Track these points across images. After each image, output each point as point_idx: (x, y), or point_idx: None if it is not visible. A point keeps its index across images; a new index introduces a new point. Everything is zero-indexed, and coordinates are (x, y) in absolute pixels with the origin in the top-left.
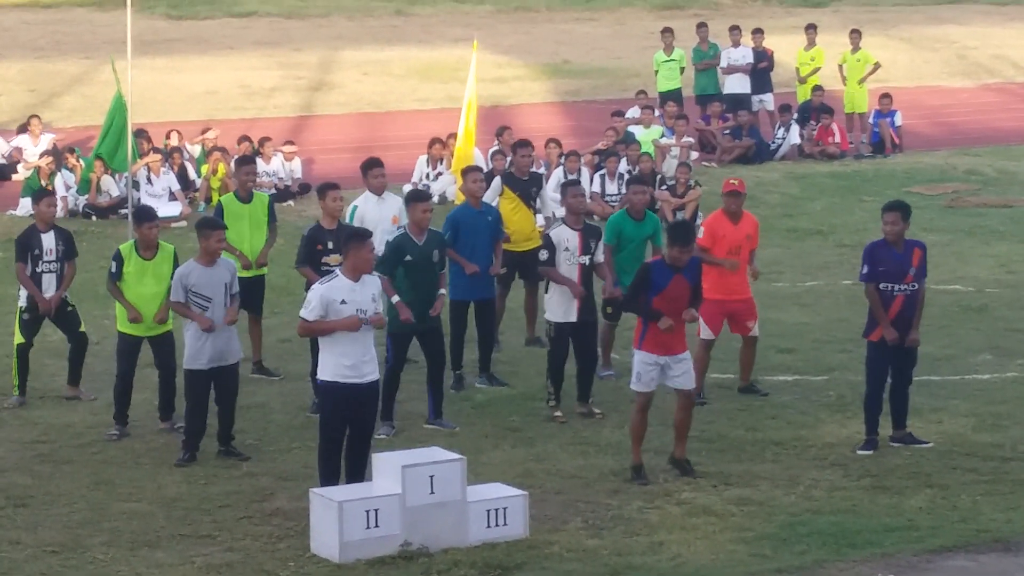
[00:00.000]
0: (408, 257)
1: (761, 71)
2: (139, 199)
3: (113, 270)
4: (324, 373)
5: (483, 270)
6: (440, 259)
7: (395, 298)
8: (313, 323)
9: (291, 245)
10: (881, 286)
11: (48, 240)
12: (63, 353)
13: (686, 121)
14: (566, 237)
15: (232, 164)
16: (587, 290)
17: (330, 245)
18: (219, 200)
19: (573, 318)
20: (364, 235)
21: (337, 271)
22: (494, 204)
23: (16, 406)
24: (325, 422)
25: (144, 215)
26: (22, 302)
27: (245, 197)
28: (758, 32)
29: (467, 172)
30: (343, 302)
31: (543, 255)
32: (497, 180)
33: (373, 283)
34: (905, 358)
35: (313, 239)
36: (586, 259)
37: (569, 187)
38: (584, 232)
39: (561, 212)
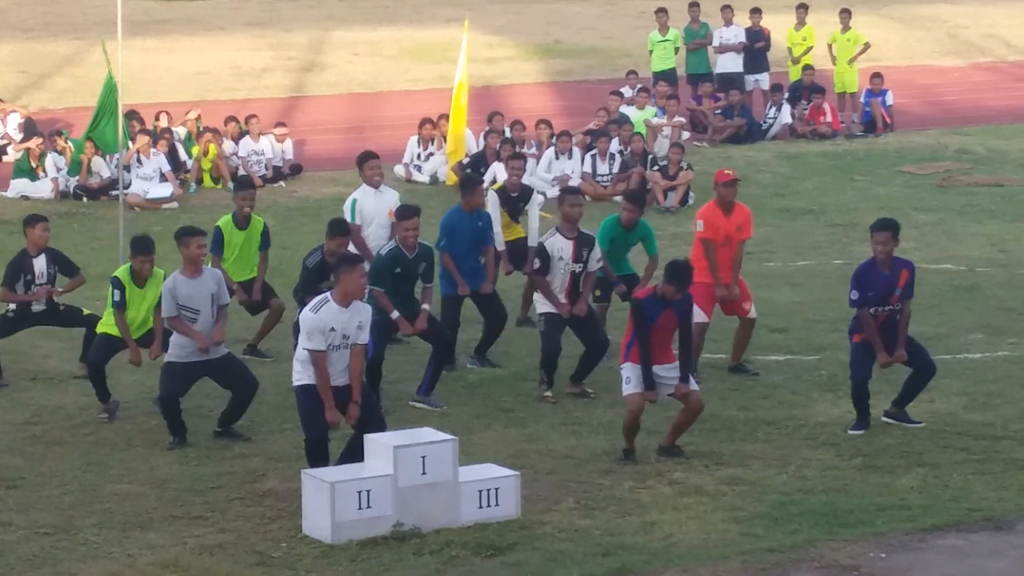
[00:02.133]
0: (398, 270)
1: (758, 51)
2: (130, 181)
3: (117, 299)
4: (300, 379)
5: (472, 274)
6: (425, 270)
7: (395, 314)
8: (320, 371)
9: (281, 227)
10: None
11: (39, 264)
12: (55, 334)
13: (677, 101)
14: (560, 246)
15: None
16: (575, 295)
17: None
18: (217, 225)
19: (564, 314)
20: (355, 260)
21: (328, 296)
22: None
23: None
24: (307, 424)
25: (141, 247)
26: (12, 306)
27: (242, 223)
28: (756, 12)
29: (470, 186)
30: (332, 329)
31: (536, 263)
32: (494, 197)
33: (362, 311)
34: (918, 355)
35: (319, 274)
36: (579, 267)
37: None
38: (577, 241)
39: (549, 191)
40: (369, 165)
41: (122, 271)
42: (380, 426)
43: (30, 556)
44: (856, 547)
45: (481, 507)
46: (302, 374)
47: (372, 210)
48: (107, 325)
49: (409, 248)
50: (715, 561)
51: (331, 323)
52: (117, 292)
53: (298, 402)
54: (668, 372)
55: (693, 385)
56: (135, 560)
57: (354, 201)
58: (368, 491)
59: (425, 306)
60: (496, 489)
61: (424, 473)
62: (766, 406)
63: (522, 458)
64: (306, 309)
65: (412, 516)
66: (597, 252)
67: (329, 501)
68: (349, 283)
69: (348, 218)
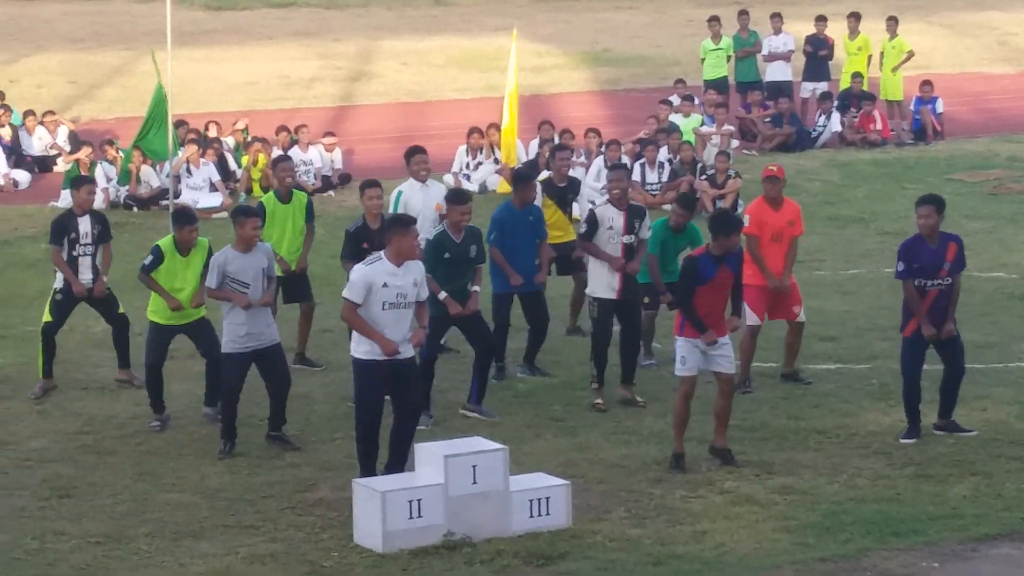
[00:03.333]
0: (447, 255)
1: (820, 59)
2: (180, 191)
3: (147, 263)
4: (359, 351)
5: (527, 271)
6: (477, 253)
7: (442, 294)
8: (359, 318)
9: (330, 236)
10: (916, 282)
11: (84, 224)
12: (106, 344)
13: (726, 109)
14: (610, 216)
15: (270, 162)
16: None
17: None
18: (260, 200)
19: (614, 295)
20: (408, 221)
21: (381, 254)
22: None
23: (40, 395)
24: (361, 399)
25: (184, 218)
26: (58, 284)
27: (284, 196)
28: (821, 19)
29: (523, 181)
30: (385, 285)
31: (582, 228)
32: (538, 188)
33: (417, 268)
34: (952, 349)
35: (358, 237)
36: (630, 238)
37: (612, 171)
38: (629, 212)
39: (599, 199)
40: (416, 159)
41: (165, 240)
42: (422, 399)
43: (83, 565)
44: (908, 556)
45: (532, 516)
46: (361, 344)
47: (418, 204)
48: (154, 312)
49: (456, 232)
50: (767, 570)
51: (383, 279)
52: (151, 256)
53: (355, 377)
54: (717, 348)
55: (730, 362)
56: (187, 569)
57: (399, 193)
58: (419, 500)
59: (475, 288)
60: (547, 498)
61: (475, 482)
62: (817, 415)
63: (573, 467)
64: (360, 263)
65: (463, 525)
66: (648, 221)
67: (380, 510)
68: (402, 243)
69: (391, 208)
